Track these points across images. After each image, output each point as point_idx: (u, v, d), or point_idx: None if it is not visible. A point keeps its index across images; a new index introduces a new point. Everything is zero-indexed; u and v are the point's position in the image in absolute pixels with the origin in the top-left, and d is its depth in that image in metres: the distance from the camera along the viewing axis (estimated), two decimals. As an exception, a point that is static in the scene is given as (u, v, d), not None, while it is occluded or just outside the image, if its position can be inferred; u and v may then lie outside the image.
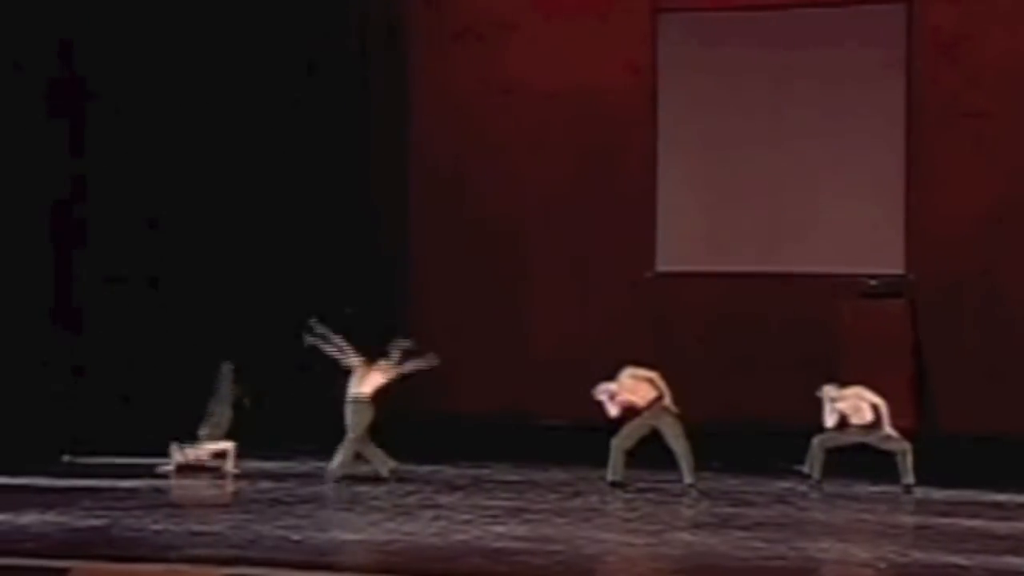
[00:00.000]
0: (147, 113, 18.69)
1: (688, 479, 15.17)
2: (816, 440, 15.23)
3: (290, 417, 17.44)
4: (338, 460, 15.46)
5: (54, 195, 17.78)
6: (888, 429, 15.08)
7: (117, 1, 18.31)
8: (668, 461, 15.30)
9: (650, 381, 15.33)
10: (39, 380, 17.38)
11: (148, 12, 18.63)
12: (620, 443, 15.29)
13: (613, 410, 15.32)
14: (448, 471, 16.20)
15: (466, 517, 13.39)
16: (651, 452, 15.48)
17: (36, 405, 17.16)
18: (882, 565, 11.54)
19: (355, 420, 15.46)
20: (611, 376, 15.36)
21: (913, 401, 18.50)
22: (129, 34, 18.48)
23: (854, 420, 15.13)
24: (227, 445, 16.11)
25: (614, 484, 15.17)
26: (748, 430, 17.91)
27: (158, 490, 14.86)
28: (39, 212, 17.65)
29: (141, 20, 18.58)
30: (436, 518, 13.37)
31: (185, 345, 18.28)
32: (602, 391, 15.27)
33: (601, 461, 15.33)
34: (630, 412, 15.41)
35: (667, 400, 15.23)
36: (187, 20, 19.06)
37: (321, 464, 15.71)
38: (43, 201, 17.66)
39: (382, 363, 15.62)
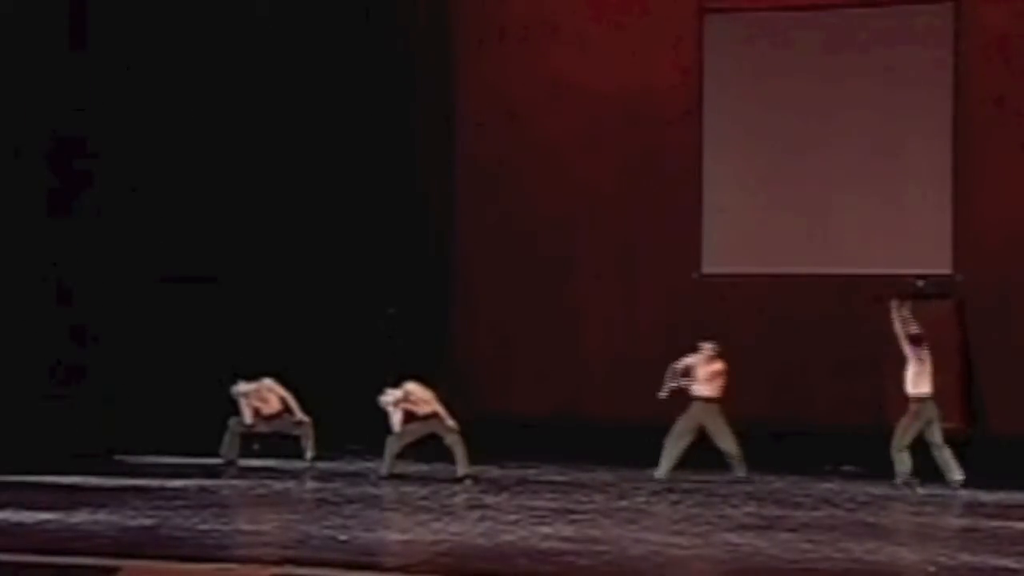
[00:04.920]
0: (192, 115, 18.82)
1: (740, 470, 15.65)
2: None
3: (337, 417, 17.47)
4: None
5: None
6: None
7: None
8: (716, 462, 15.32)
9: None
10: (86, 381, 17.55)
11: (194, 15, 18.80)
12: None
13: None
14: (495, 471, 16.24)
15: (513, 518, 13.41)
16: (697, 453, 15.46)
17: (83, 406, 17.31)
18: (931, 568, 11.48)
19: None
20: (660, 373, 15.46)
21: (961, 402, 18.39)
22: (177, 35, 18.65)
23: None
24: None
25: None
26: (794, 430, 17.84)
27: (206, 490, 14.94)
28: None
29: (191, 21, 18.74)
30: (483, 518, 13.40)
31: (230, 345, 18.36)
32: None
33: (649, 462, 15.32)
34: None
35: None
36: (233, 23, 19.20)
37: (369, 465, 15.78)
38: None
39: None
